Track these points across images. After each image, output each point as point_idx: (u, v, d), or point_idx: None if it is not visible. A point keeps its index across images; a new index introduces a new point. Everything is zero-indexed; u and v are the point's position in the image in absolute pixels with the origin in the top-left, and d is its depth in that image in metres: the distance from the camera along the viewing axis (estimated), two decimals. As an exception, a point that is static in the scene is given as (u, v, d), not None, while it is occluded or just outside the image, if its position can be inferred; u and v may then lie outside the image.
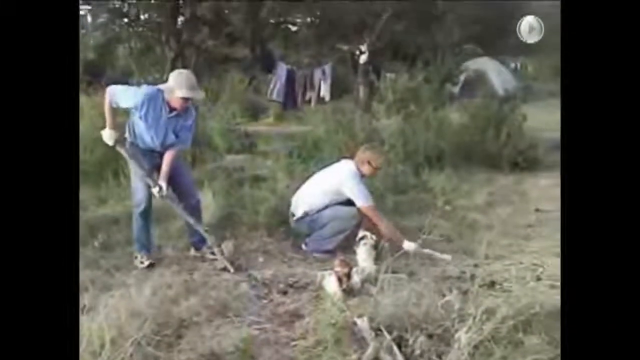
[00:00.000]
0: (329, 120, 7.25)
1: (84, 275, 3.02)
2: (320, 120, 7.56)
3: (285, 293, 3.17)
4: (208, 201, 4.35)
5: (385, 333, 2.39)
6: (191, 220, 3.64)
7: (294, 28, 16.27)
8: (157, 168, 3.54)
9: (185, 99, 3.42)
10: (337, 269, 3.09)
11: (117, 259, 3.62)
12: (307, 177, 4.15)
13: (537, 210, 4.89)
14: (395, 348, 2.31)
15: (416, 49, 13.35)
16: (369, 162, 3.84)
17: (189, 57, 12.53)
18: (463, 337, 2.26)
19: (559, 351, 2.19)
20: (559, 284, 2.87)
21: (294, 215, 3.96)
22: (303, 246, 3.90)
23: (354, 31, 12.50)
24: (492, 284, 3.08)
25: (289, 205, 4.05)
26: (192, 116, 3.60)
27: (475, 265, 3.43)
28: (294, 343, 2.56)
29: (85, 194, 4.61)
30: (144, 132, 3.49)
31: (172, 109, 3.46)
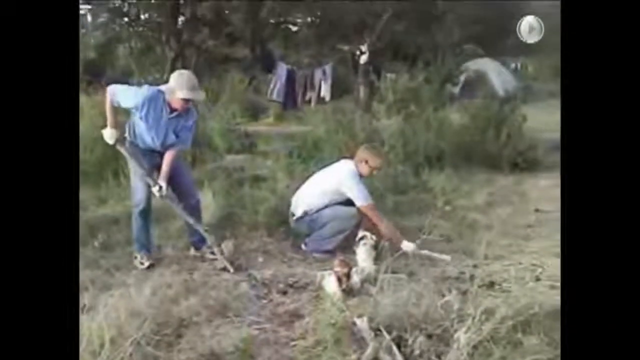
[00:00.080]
0: (329, 121, 7.25)
1: (84, 275, 3.02)
2: (320, 121, 7.56)
3: (285, 293, 3.17)
4: (208, 201, 4.35)
5: (385, 333, 2.39)
6: (191, 220, 3.64)
7: (294, 28, 16.29)
8: (157, 168, 3.54)
9: (186, 100, 3.42)
10: (337, 269, 3.09)
11: (117, 259, 3.62)
12: (307, 177, 4.15)
13: (536, 210, 4.89)
14: (394, 348, 2.31)
15: (416, 49, 13.36)
16: (366, 162, 3.85)
17: (189, 57, 12.56)
18: (462, 337, 2.26)
19: (558, 352, 2.19)
20: (558, 284, 2.88)
21: (293, 215, 3.96)
22: (303, 246, 3.90)
23: (354, 31, 12.51)
24: (492, 285, 3.08)
25: (288, 205, 4.05)
26: (193, 117, 3.60)
27: (475, 266, 3.43)
28: (293, 343, 2.56)
29: (85, 193, 4.61)
30: (144, 133, 3.49)
31: (172, 110, 3.45)
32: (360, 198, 3.73)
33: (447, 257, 3.62)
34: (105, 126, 3.52)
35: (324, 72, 11.59)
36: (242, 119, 8.22)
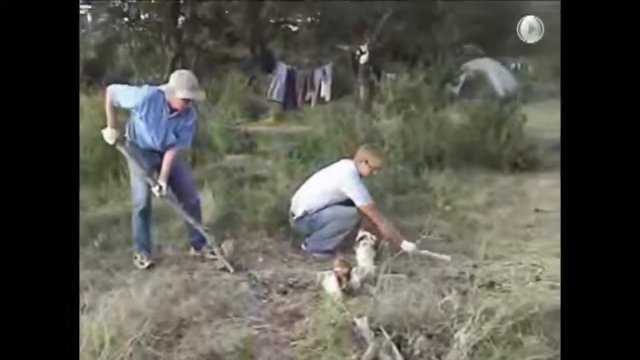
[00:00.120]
0: (329, 121, 7.25)
1: (84, 275, 3.02)
2: (320, 121, 7.56)
3: (285, 293, 3.17)
4: (208, 201, 4.35)
5: (385, 333, 2.39)
6: (191, 220, 3.64)
7: (294, 28, 16.29)
8: (157, 167, 3.54)
9: (186, 100, 3.42)
10: (337, 269, 3.09)
11: (117, 259, 3.62)
12: (307, 178, 4.15)
13: (536, 210, 4.89)
14: (394, 348, 2.31)
15: (416, 49, 13.36)
16: (366, 162, 3.84)
17: (189, 57, 12.57)
18: (462, 337, 2.26)
19: (558, 352, 2.19)
20: (558, 284, 2.88)
21: (293, 215, 3.96)
22: (303, 246, 3.90)
23: (354, 31, 12.51)
24: (492, 285, 3.08)
25: (288, 205, 4.05)
26: (193, 117, 3.60)
27: (475, 266, 3.43)
28: (293, 343, 2.56)
29: (85, 193, 4.61)
30: (144, 133, 3.49)
31: (172, 110, 3.45)
32: (360, 198, 3.73)
33: (447, 257, 3.62)
34: (105, 126, 3.52)
35: (324, 72, 11.59)
36: (242, 119, 8.22)
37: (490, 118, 7.17)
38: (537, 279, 3.01)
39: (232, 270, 3.48)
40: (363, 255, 3.49)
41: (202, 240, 3.70)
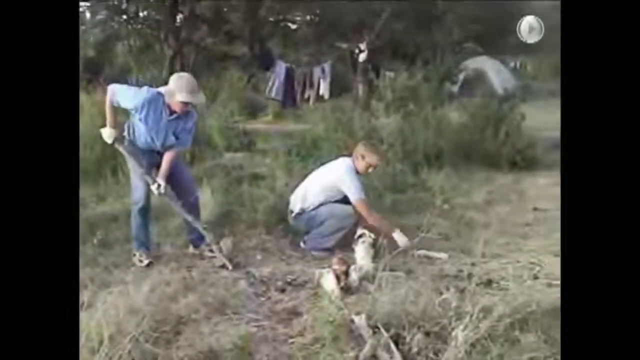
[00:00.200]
0: (328, 119, 7.25)
1: (83, 272, 3.02)
2: (319, 119, 7.56)
3: (283, 291, 3.17)
4: (207, 199, 4.35)
5: (383, 331, 2.40)
6: (190, 218, 3.65)
7: (293, 26, 16.29)
8: (157, 166, 3.54)
9: (186, 103, 3.42)
10: (335, 266, 3.10)
11: (116, 257, 3.62)
12: (306, 175, 4.15)
13: (535, 209, 4.90)
14: (392, 345, 2.31)
15: (415, 48, 13.37)
16: (363, 158, 3.85)
17: (188, 55, 12.56)
18: (460, 335, 2.26)
19: (555, 349, 2.21)
20: (556, 282, 2.89)
21: (292, 212, 3.97)
22: (301, 244, 3.91)
23: (353, 30, 12.51)
24: (489, 283, 3.09)
25: (287, 203, 4.06)
26: (193, 118, 3.59)
27: (473, 264, 3.44)
28: (291, 340, 2.57)
29: (84, 191, 4.60)
30: (144, 134, 3.49)
31: (172, 112, 3.45)
32: (354, 192, 3.73)
33: (444, 255, 3.63)
34: (104, 125, 3.52)
35: (323, 70, 11.59)
36: (240, 117, 8.23)
37: (489, 117, 7.17)
38: (535, 277, 3.02)
39: (230, 267, 3.48)
40: (361, 253, 3.49)
41: (201, 238, 3.70)
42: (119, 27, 14.70)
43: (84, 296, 2.72)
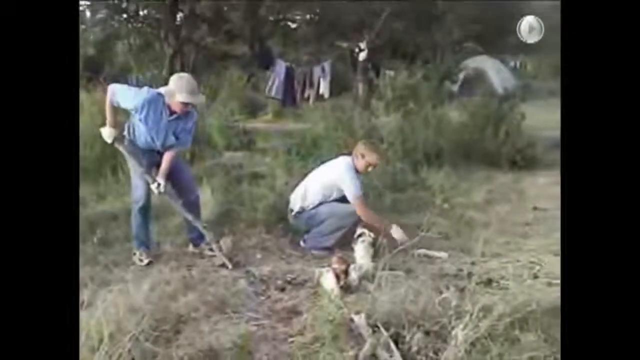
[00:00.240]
0: (327, 118, 7.25)
1: (83, 271, 3.02)
2: (319, 118, 7.56)
3: (283, 290, 3.18)
4: (207, 198, 4.35)
5: (383, 330, 2.40)
6: (190, 217, 3.65)
7: (293, 25, 16.30)
8: (157, 165, 3.54)
9: (186, 104, 3.42)
10: (335, 265, 3.10)
11: (116, 255, 3.62)
12: (306, 174, 4.15)
13: (535, 208, 4.90)
14: (392, 345, 2.31)
15: (415, 47, 13.37)
16: (362, 156, 3.85)
17: (188, 54, 12.57)
18: (460, 334, 2.26)
19: (555, 349, 2.21)
20: (555, 281, 2.89)
21: (292, 210, 3.97)
22: (301, 243, 3.91)
23: (353, 29, 12.52)
24: (489, 282, 3.09)
25: (287, 202, 4.06)
26: (193, 119, 3.59)
27: (473, 263, 3.44)
28: (291, 339, 2.57)
29: (84, 190, 4.60)
30: (144, 134, 3.49)
31: (172, 113, 3.45)
32: (352, 190, 3.73)
33: (444, 254, 3.63)
34: (104, 124, 3.52)
35: (323, 70, 11.59)
36: (240, 116, 8.23)
37: (489, 116, 7.18)
38: (535, 277, 3.02)
39: (230, 266, 3.48)
40: (361, 252, 3.49)
41: (201, 237, 3.70)
42: (119, 26, 14.71)
43: (84, 295, 2.72)
